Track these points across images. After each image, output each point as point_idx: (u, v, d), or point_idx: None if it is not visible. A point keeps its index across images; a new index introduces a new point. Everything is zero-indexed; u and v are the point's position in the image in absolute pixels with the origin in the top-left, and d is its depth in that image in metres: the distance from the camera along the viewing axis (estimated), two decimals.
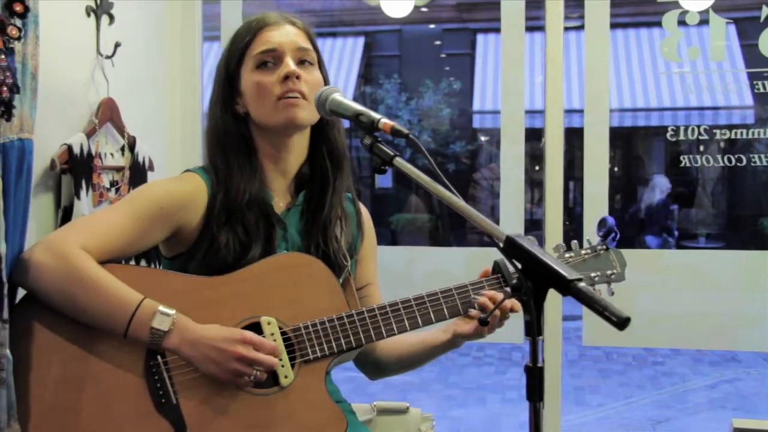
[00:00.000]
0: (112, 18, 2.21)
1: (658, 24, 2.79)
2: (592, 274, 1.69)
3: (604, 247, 1.73)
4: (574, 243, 1.72)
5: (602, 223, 1.72)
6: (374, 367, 1.79)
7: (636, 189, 11.02)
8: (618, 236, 1.71)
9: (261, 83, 1.60)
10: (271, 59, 1.60)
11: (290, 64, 1.59)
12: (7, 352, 1.42)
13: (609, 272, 1.71)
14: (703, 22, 2.72)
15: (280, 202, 1.67)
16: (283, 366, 1.52)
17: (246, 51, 1.62)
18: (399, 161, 1.37)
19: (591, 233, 2.66)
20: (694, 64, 2.87)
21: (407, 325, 1.59)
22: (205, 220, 1.59)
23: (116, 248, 1.52)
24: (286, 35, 1.62)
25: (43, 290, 1.47)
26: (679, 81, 2.95)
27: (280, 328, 1.54)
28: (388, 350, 1.77)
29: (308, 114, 1.59)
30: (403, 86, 11.01)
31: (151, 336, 1.45)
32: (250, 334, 1.47)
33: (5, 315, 1.43)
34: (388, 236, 9.74)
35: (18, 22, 1.49)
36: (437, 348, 1.68)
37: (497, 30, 2.90)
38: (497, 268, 1.64)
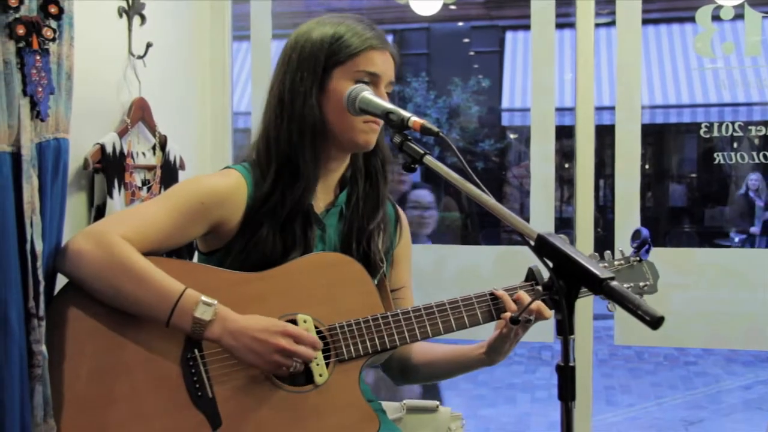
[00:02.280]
0: (143, 18, 2.23)
1: (691, 19, 2.75)
2: (625, 285, 1.67)
3: (638, 258, 1.71)
4: (607, 253, 1.71)
5: (636, 234, 1.70)
6: (401, 371, 1.80)
7: (668, 187, 10.85)
8: (651, 248, 1.69)
9: None
10: (368, 80, 1.61)
11: (384, 94, 1.63)
12: (43, 348, 1.44)
13: (642, 284, 1.70)
14: (738, 16, 2.68)
15: (320, 202, 1.68)
16: (318, 365, 1.53)
17: (349, 60, 1.60)
18: (429, 159, 1.37)
19: (621, 231, 2.65)
20: (727, 60, 2.82)
21: (441, 328, 1.60)
22: (244, 217, 1.60)
23: (155, 241, 1.53)
24: (387, 65, 1.64)
25: (84, 277, 1.48)
26: (712, 77, 2.91)
27: (315, 327, 1.55)
28: (418, 354, 1.77)
29: (376, 140, 1.65)
30: (431, 84, 10.97)
31: (194, 325, 1.46)
32: (291, 327, 1.49)
33: (41, 312, 1.45)
34: None
35: (53, 23, 1.50)
36: (468, 357, 1.69)
37: (526, 27, 2.88)
38: (531, 275, 1.64)
